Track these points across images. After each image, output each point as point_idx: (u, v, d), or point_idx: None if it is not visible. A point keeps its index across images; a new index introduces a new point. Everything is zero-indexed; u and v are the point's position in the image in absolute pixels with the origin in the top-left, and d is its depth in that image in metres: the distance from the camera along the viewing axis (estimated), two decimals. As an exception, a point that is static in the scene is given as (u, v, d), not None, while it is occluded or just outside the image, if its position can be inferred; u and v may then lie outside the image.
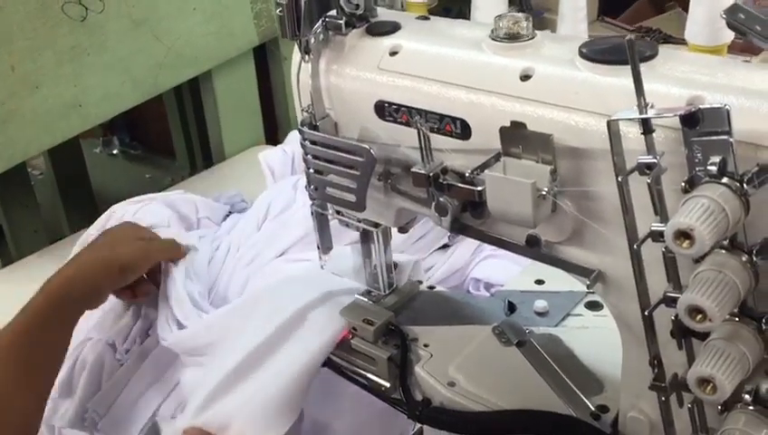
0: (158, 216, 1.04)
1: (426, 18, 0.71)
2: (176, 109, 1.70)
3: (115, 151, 2.04)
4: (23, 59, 1.13)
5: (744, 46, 0.83)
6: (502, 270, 0.95)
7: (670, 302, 0.52)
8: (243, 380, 0.76)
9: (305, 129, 0.70)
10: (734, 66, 0.54)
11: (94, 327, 0.95)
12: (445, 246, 1.00)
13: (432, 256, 0.99)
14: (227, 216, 1.14)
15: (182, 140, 1.74)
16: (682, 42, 1.09)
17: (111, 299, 0.93)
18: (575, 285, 0.75)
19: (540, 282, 0.84)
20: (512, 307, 0.81)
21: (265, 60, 1.56)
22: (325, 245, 0.80)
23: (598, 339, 0.75)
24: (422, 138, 0.63)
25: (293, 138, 1.29)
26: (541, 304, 0.80)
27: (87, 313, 0.90)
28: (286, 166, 1.17)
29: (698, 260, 0.49)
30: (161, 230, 1.00)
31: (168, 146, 1.82)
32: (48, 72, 1.16)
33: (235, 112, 1.51)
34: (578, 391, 0.70)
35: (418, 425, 0.76)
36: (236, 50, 1.42)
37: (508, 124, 0.58)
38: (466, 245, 0.98)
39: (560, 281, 0.80)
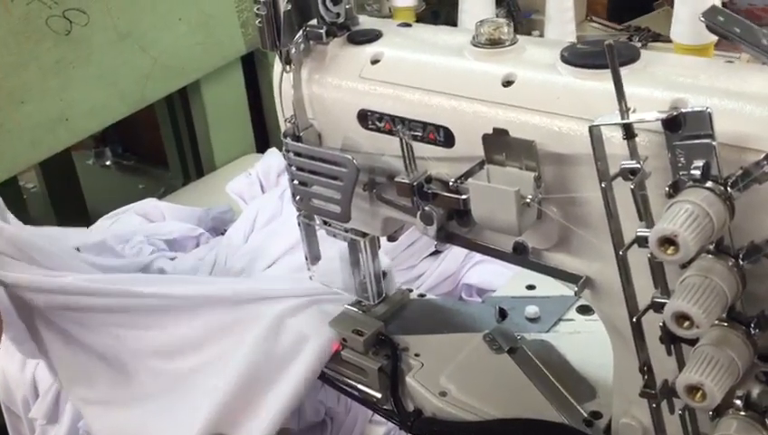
0: (129, 224, 1.10)
1: (407, 25, 0.70)
2: (167, 119, 1.69)
3: (108, 163, 2.04)
4: (7, 74, 1.12)
5: (731, 44, 0.83)
6: (494, 275, 0.94)
7: (658, 307, 0.51)
8: (248, 393, 0.76)
9: (288, 140, 0.70)
10: (717, 67, 0.53)
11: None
12: (436, 253, 1.00)
13: (423, 263, 0.98)
14: (224, 232, 1.13)
15: (175, 150, 1.74)
16: (671, 40, 1.09)
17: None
18: (566, 289, 0.75)
19: (531, 287, 0.83)
20: (503, 314, 0.80)
21: (254, 68, 1.55)
22: (313, 255, 0.79)
23: (590, 344, 0.75)
24: (405, 147, 0.62)
25: (269, 154, 1.31)
26: (532, 309, 0.79)
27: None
28: (254, 187, 1.20)
29: (685, 265, 0.48)
30: None
31: (162, 156, 1.81)
32: (33, 87, 1.16)
33: (225, 122, 1.50)
34: (570, 398, 0.69)
35: (411, 436, 0.75)
36: (224, 59, 1.41)
37: (491, 131, 0.57)
38: (457, 250, 0.97)
39: (551, 286, 0.80)
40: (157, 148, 1.81)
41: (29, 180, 1.80)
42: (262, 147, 1.56)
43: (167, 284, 0.84)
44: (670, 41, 1.09)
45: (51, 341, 0.84)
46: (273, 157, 1.29)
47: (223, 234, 1.12)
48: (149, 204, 1.17)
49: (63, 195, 1.59)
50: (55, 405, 0.92)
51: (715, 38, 1.02)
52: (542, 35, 1.30)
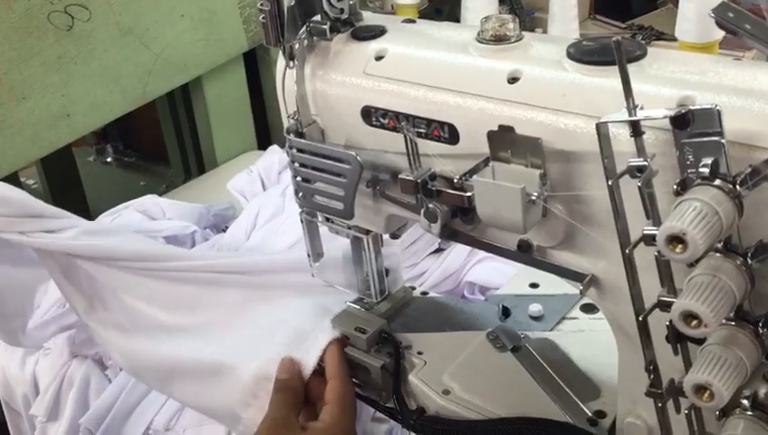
0: (129, 221, 1.10)
1: (411, 21, 0.70)
2: (169, 115, 1.69)
3: (109, 159, 2.03)
4: (9, 70, 1.12)
5: (736, 42, 0.82)
6: (497, 273, 0.94)
7: (664, 306, 0.51)
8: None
9: (291, 136, 0.69)
10: (725, 65, 0.53)
11: (80, 344, 0.93)
12: (438, 250, 0.99)
13: (425, 260, 0.98)
14: (225, 229, 1.13)
15: (176, 147, 1.73)
16: (675, 38, 1.09)
17: (97, 313, 0.92)
18: (570, 287, 0.74)
19: (534, 285, 0.83)
20: (506, 312, 0.80)
21: (256, 64, 1.55)
22: (315, 252, 0.79)
23: (594, 342, 0.74)
24: (409, 143, 0.62)
25: (270, 151, 1.30)
26: (535, 307, 0.79)
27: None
28: (255, 184, 1.20)
29: (692, 264, 0.48)
30: None
31: (163, 153, 1.80)
32: (35, 83, 1.15)
33: (227, 119, 1.50)
34: (574, 397, 0.69)
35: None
36: (226, 56, 1.40)
37: (496, 128, 0.57)
38: (460, 248, 0.97)
39: (554, 284, 0.79)
40: (158, 144, 1.80)
41: (30, 177, 1.79)
42: (263, 144, 1.55)
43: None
44: (673, 39, 1.09)
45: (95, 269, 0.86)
46: (275, 154, 1.28)
47: (224, 231, 1.11)
48: (150, 201, 1.16)
49: (64, 191, 1.59)
50: (56, 402, 0.91)
51: (720, 36, 1.02)
52: (545, 33, 1.29)
